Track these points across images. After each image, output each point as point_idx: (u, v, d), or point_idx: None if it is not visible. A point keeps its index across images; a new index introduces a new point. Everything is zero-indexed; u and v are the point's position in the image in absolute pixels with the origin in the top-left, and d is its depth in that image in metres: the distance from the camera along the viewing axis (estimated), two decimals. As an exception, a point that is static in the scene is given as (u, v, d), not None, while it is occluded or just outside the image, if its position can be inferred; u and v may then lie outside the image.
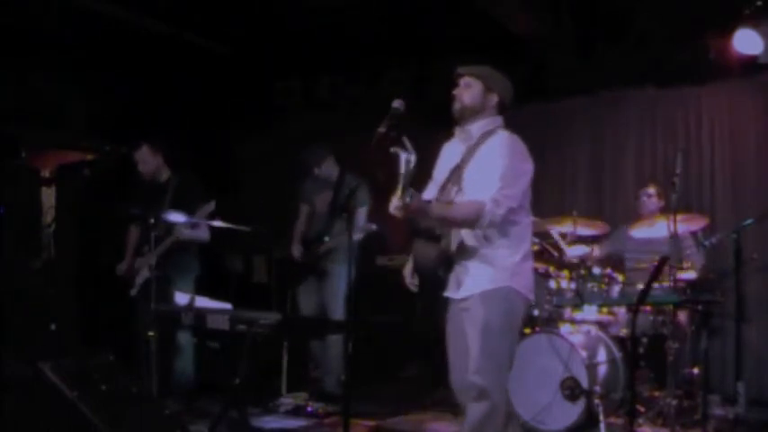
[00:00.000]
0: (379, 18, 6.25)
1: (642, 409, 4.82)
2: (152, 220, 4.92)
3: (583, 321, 5.16)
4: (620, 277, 5.11)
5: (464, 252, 3.41)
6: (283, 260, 6.26)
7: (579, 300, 4.98)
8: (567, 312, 5.18)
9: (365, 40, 6.59)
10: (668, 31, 5.92)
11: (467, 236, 3.39)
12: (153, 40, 6.61)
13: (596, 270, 5.03)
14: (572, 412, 4.64)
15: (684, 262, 5.10)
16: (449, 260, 3.45)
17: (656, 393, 4.95)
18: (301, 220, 6.03)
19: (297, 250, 5.88)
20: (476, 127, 3.54)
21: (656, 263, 4.06)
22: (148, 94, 6.89)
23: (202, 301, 4.69)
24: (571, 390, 4.65)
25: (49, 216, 6.84)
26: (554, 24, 6.15)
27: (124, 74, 6.72)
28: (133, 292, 5.40)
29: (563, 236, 5.31)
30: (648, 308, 4.98)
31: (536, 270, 5.19)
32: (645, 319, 5.04)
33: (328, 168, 5.89)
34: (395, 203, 3.16)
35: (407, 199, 3.08)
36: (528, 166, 3.45)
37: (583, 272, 5.03)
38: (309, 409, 5.40)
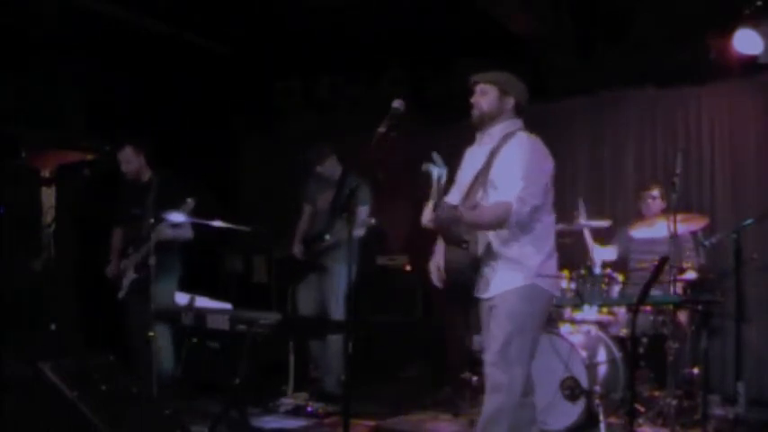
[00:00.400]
0: (379, 18, 6.25)
1: (642, 409, 4.82)
2: (152, 220, 4.92)
3: (583, 321, 5.16)
4: (620, 277, 5.11)
5: (491, 254, 3.54)
6: (284, 259, 6.27)
7: (579, 300, 4.98)
8: (567, 312, 5.19)
9: (365, 40, 6.59)
10: (668, 31, 5.92)
11: (493, 238, 3.52)
12: (153, 40, 6.61)
13: (596, 270, 5.03)
14: (572, 412, 4.65)
15: (684, 262, 5.10)
16: (477, 263, 3.57)
17: (656, 393, 4.95)
18: (304, 220, 6.04)
19: (298, 248, 5.89)
20: (496, 131, 3.64)
21: (656, 263, 4.05)
22: (148, 94, 6.89)
23: (202, 301, 4.69)
24: (571, 390, 4.65)
25: (49, 216, 6.84)
26: (554, 24, 6.15)
27: (124, 74, 6.72)
28: (121, 294, 5.40)
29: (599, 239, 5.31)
30: (648, 308, 4.97)
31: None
32: (645, 319, 5.04)
33: (330, 167, 5.90)
34: (428, 216, 3.41)
35: (441, 212, 3.29)
36: (548, 165, 3.61)
37: (583, 272, 5.03)
38: (309, 409, 5.41)
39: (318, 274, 5.79)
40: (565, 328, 5.03)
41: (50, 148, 7.08)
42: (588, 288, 5.00)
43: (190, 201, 4.92)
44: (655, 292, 4.57)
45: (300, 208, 6.10)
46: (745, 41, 5.32)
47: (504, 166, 3.53)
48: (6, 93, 6.23)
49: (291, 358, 5.77)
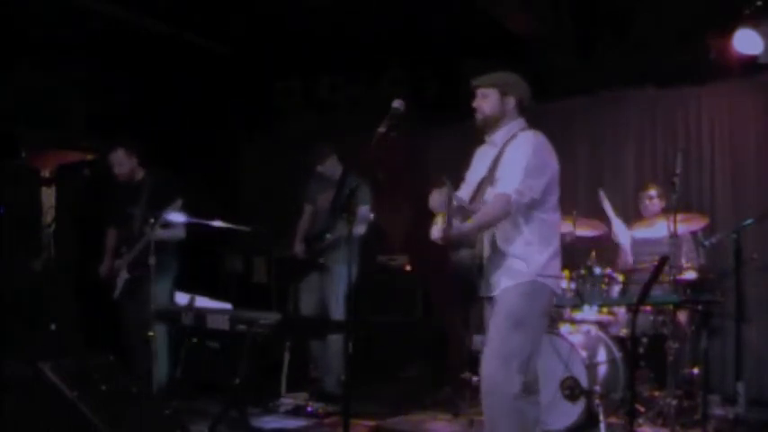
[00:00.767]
0: (379, 18, 6.25)
1: (642, 409, 4.82)
2: (152, 220, 4.93)
3: (583, 321, 5.16)
4: (620, 277, 5.11)
5: (495, 252, 3.56)
6: (284, 259, 6.27)
7: (579, 300, 4.98)
8: (567, 312, 5.18)
9: (365, 40, 6.59)
10: (668, 31, 5.92)
11: (497, 236, 3.55)
12: (153, 40, 6.62)
13: (596, 270, 5.03)
14: (572, 412, 4.65)
15: (684, 262, 5.09)
16: (482, 263, 3.59)
17: (656, 393, 4.95)
18: (305, 219, 6.04)
19: (299, 248, 5.90)
20: (501, 133, 3.68)
21: (656, 263, 4.05)
22: (148, 94, 6.89)
23: (202, 301, 4.69)
24: (571, 390, 4.65)
25: (49, 216, 6.85)
26: (554, 24, 6.15)
27: (124, 74, 6.72)
28: (116, 294, 5.40)
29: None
30: (648, 308, 4.97)
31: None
32: (645, 319, 5.04)
33: (331, 167, 5.91)
34: (437, 232, 3.46)
35: (451, 230, 3.37)
36: (552, 162, 3.61)
37: (583, 272, 5.03)
38: (309, 409, 5.40)
39: (320, 274, 5.80)
40: (565, 328, 5.03)
41: (50, 148, 7.09)
42: (588, 288, 4.99)
43: (178, 201, 4.93)
44: (655, 292, 4.57)
45: (301, 208, 6.10)
46: (745, 41, 5.32)
47: (505, 164, 3.57)
48: (6, 93, 6.23)
49: (286, 357, 5.77)
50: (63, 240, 6.84)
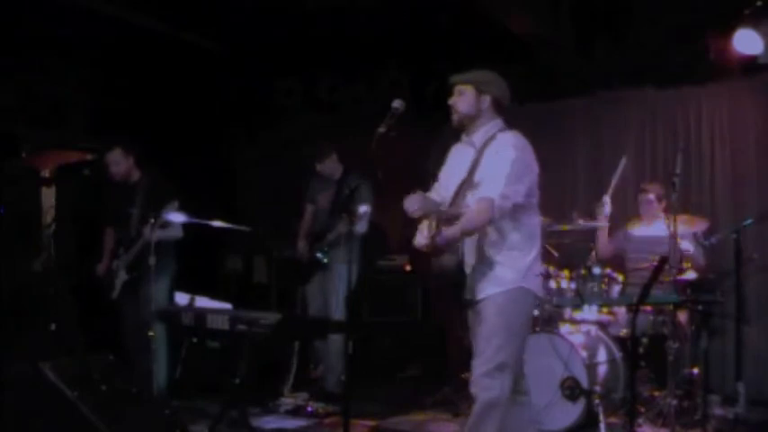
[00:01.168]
0: (379, 18, 6.25)
1: (642, 409, 4.82)
2: (151, 220, 4.93)
3: (583, 321, 5.16)
4: (620, 277, 5.11)
5: (479, 257, 3.52)
6: (287, 260, 6.27)
7: (579, 300, 4.98)
8: (567, 312, 5.18)
9: (365, 41, 6.59)
10: (668, 31, 5.92)
11: (480, 241, 3.50)
12: (153, 40, 6.61)
13: (596, 270, 5.03)
14: (572, 412, 4.64)
15: (684, 262, 5.09)
16: (465, 268, 3.54)
17: (656, 393, 4.94)
18: (306, 219, 6.04)
19: (303, 248, 5.90)
20: (479, 134, 3.62)
21: (655, 263, 4.05)
22: (148, 94, 6.89)
23: (202, 301, 4.69)
24: (571, 390, 4.65)
25: (49, 216, 6.84)
26: (554, 24, 6.15)
27: (124, 74, 6.72)
28: (114, 295, 5.40)
29: None
30: (648, 308, 4.97)
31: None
32: (645, 319, 5.04)
33: (330, 166, 5.91)
34: (422, 240, 3.47)
35: (437, 239, 3.39)
36: (533, 164, 3.54)
37: (583, 272, 5.03)
38: (309, 409, 5.40)
39: (323, 273, 5.80)
40: (565, 328, 5.03)
41: (50, 148, 7.08)
42: (588, 288, 5.00)
43: (175, 201, 4.94)
44: (655, 292, 4.57)
45: (300, 207, 6.10)
46: (745, 41, 5.32)
47: (487, 168, 3.50)
48: (7, 92, 6.23)
49: (295, 358, 5.77)
50: (63, 240, 6.84)
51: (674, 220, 4.70)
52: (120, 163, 5.41)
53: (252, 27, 6.64)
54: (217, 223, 5.12)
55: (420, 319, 6.76)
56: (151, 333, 4.82)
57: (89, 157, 7.09)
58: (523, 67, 6.48)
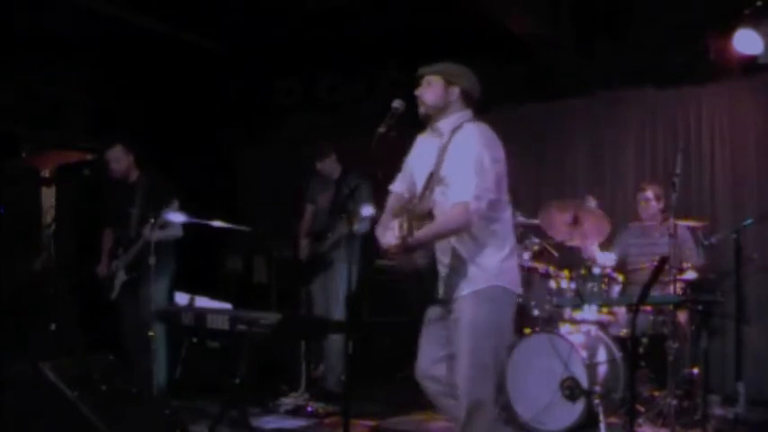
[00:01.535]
0: (379, 18, 6.25)
1: (642, 409, 4.82)
2: (151, 221, 4.93)
3: (583, 321, 5.15)
4: (620, 277, 5.11)
5: (451, 255, 3.43)
6: (287, 260, 6.26)
7: (579, 300, 4.98)
8: (567, 312, 5.17)
9: (365, 41, 6.59)
10: (668, 31, 5.92)
11: (454, 243, 3.42)
12: (152, 40, 6.62)
13: (596, 270, 5.03)
14: (572, 412, 4.64)
15: (684, 262, 5.09)
16: (434, 264, 3.45)
17: (656, 393, 4.94)
18: (306, 219, 6.05)
19: (304, 248, 5.90)
20: (445, 125, 3.52)
21: (655, 263, 4.05)
22: (148, 94, 6.89)
23: (202, 301, 4.69)
24: (571, 390, 4.64)
25: (49, 216, 6.85)
26: (554, 24, 6.15)
27: (124, 74, 6.72)
28: (113, 295, 5.40)
29: None
30: (648, 308, 4.97)
31: (536, 270, 5.20)
32: (645, 319, 5.04)
33: (329, 166, 5.91)
34: (393, 239, 3.30)
35: (408, 239, 3.27)
36: (498, 154, 3.43)
37: (583, 272, 5.03)
38: (309, 409, 5.40)
39: (324, 273, 5.80)
40: (565, 328, 5.02)
41: (50, 148, 7.09)
42: (588, 288, 5.00)
43: (175, 201, 4.94)
44: (655, 292, 4.57)
45: (300, 207, 6.10)
46: (745, 41, 5.32)
47: (454, 162, 3.40)
48: (7, 92, 6.23)
49: (303, 360, 5.77)
50: (63, 240, 6.84)
51: (674, 220, 4.70)
52: (120, 160, 5.42)
53: (252, 27, 6.64)
54: (217, 223, 5.12)
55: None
56: (151, 333, 4.82)
57: (89, 157, 7.09)
58: (523, 67, 6.49)
